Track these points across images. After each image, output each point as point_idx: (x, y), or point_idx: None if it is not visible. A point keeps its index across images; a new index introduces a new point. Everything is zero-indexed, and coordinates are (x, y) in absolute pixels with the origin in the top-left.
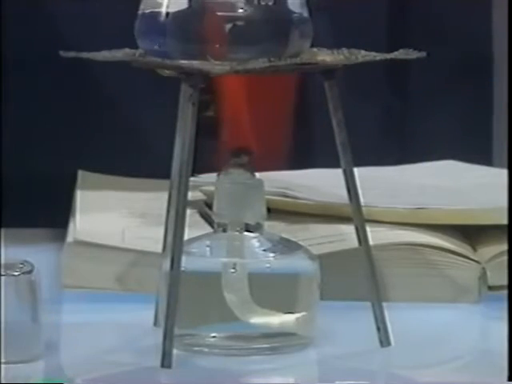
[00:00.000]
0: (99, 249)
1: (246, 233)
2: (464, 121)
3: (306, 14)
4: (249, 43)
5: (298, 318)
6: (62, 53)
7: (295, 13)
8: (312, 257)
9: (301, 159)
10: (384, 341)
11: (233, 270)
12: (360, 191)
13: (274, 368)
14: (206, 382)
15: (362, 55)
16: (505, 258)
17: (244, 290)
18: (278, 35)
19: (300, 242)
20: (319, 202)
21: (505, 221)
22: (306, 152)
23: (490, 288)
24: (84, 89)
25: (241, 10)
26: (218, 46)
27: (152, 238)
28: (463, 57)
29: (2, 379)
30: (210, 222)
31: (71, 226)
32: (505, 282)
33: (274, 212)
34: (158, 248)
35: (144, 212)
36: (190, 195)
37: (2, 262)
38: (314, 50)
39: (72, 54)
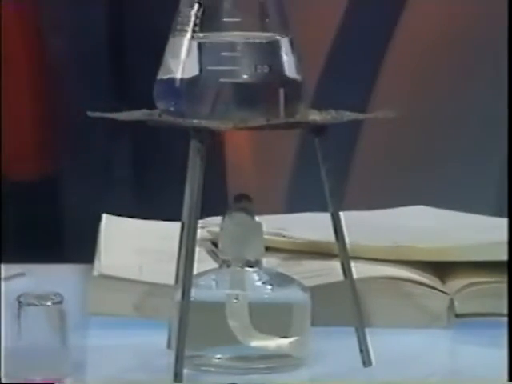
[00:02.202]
0: (120, 281)
1: (247, 268)
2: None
3: (300, 78)
4: (250, 105)
5: (292, 342)
6: (89, 113)
7: (290, 78)
8: (304, 289)
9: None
10: (366, 361)
11: (235, 300)
12: (345, 231)
13: None
14: None
15: (347, 115)
16: (470, 289)
17: (245, 317)
18: (275, 98)
19: (294, 276)
20: (310, 240)
21: (469, 258)
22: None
23: (457, 316)
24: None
25: (245, 77)
26: (224, 107)
27: (165, 272)
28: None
29: None
30: (216, 259)
31: (96, 261)
32: (470, 310)
33: (271, 249)
34: (171, 281)
35: (159, 249)
36: (199, 235)
37: (36, 293)
38: (306, 109)
39: (97, 114)
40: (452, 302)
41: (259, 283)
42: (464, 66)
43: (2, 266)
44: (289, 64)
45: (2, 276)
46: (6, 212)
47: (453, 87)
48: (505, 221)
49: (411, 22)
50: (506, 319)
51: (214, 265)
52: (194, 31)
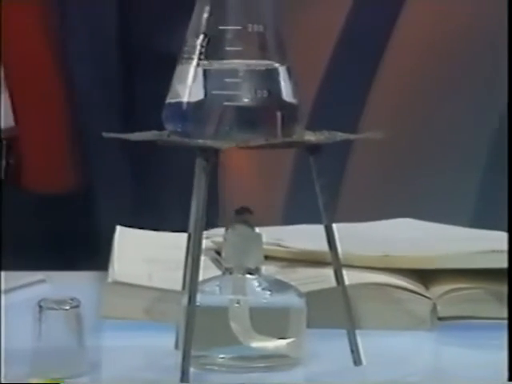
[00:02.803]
0: (132, 287)
1: (247, 275)
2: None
3: (296, 102)
4: (251, 126)
5: (289, 343)
6: (104, 134)
7: (287, 102)
8: (300, 294)
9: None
10: (357, 360)
11: (237, 305)
12: (338, 241)
13: (270, 383)
14: None
15: (339, 135)
16: (451, 294)
17: (246, 320)
18: (273, 120)
19: (290, 282)
20: (305, 250)
21: (450, 266)
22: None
23: (440, 319)
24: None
25: (246, 100)
26: (227, 128)
27: (173, 279)
28: None
29: None
30: (219, 267)
31: (110, 269)
32: (451, 313)
33: (270, 258)
34: (178, 287)
35: (167, 258)
36: (204, 245)
37: (56, 298)
38: (302, 130)
39: (112, 134)
40: (435, 306)
41: (259, 289)
42: (450, 84)
43: (25, 273)
44: (286, 89)
45: (24, 282)
46: (30, 223)
47: (437, 108)
48: (483, 232)
49: (397, 56)
50: (483, 322)
51: (218, 272)
52: (199, 59)
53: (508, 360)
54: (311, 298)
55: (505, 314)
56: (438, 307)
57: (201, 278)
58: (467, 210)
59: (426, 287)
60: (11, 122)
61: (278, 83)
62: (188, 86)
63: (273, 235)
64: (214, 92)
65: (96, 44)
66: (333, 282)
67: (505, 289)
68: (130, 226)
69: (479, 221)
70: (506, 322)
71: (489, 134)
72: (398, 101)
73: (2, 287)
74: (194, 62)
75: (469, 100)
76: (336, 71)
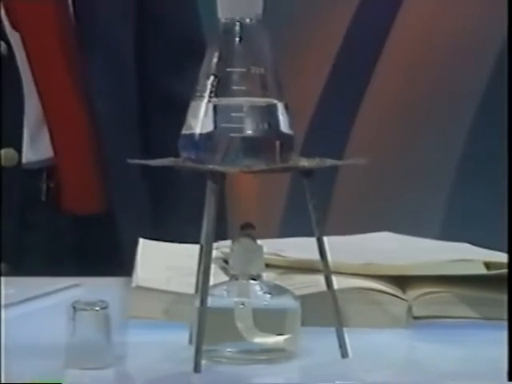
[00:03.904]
0: (153, 291)
1: (251, 281)
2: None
3: (292, 133)
4: (253, 154)
5: (286, 339)
6: (128, 160)
7: (285, 133)
8: (295, 297)
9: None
10: (344, 354)
11: (242, 306)
12: (328, 252)
13: (270, 373)
14: (225, 383)
15: (329, 161)
16: (424, 297)
17: (249, 319)
18: (272, 149)
19: (287, 287)
20: (300, 259)
21: (423, 273)
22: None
23: (415, 318)
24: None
25: (249, 132)
26: (233, 155)
27: (188, 284)
28: None
29: (86, 378)
30: (227, 273)
31: (134, 276)
32: (424, 314)
33: (270, 266)
34: (192, 291)
35: (183, 266)
36: (214, 255)
37: (87, 300)
38: (297, 157)
39: (136, 161)
40: (410, 307)
41: (260, 293)
42: (422, 119)
43: (61, 278)
44: (283, 122)
45: (60, 287)
46: (66, 237)
47: (411, 138)
48: (451, 244)
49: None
50: (452, 321)
51: (226, 278)
52: (210, 96)
53: (508, 360)
54: (305, 300)
55: (472, 314)
56: (413, 308)
57: (211, 283)
58: (437, 224)
59: (403, 291)
60: (51, 153)
61: (276, 117)
62: (200, 119)
63: (272, 246)
64: (222, 125)
65: (120, 87)
66: (323, 287)
67: (472, 292)
68: (151, 239)
69: (447, 234)
70: (472, 321)
71: (454, 161)
72: (377, 131)
73: (42, 291)
74: (205, 99)
75: (436, 135)
76: (325, 107)
